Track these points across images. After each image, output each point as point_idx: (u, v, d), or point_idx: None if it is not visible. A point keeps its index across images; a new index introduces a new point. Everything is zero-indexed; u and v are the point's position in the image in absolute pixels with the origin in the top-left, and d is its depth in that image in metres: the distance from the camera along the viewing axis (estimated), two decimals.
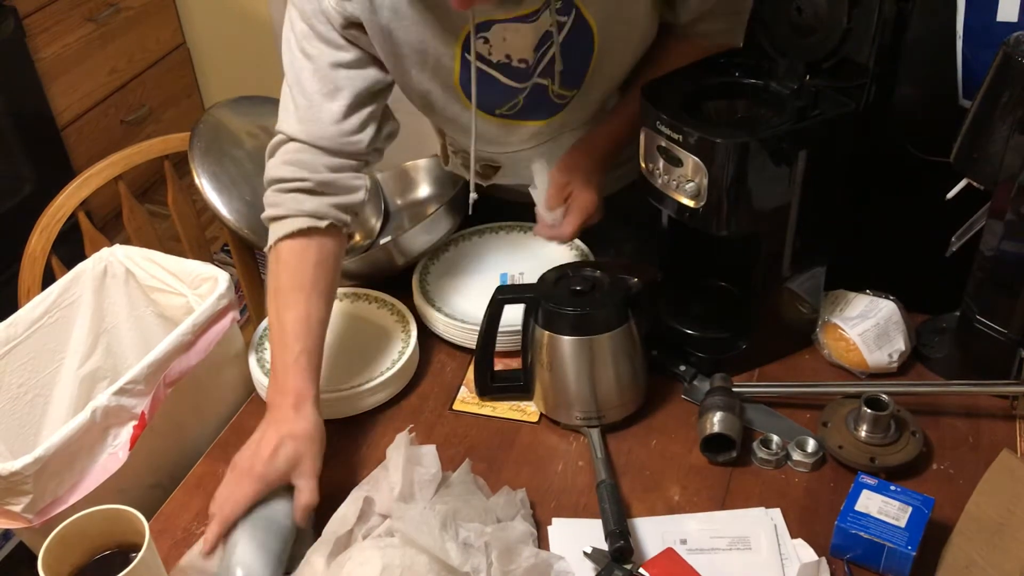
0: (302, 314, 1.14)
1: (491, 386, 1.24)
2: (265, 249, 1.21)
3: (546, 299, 1.15)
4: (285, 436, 1.06)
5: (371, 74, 1.20)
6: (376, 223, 1.55)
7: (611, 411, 1.18)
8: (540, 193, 1.31)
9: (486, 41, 1.18)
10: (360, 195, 1.22)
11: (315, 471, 1.07)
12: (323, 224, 1.16)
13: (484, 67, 1.20)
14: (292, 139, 1.19)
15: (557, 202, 1.29)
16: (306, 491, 1.05)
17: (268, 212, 1.19)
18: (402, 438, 1.08)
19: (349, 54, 1.18)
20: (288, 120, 1.20)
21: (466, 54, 1.18)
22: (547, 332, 1.15)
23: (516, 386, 1.24)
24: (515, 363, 1.29)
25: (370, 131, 1.21)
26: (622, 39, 1.23)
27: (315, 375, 1.13)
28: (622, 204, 1.38)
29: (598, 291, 1.15)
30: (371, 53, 1.19)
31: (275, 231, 1.18)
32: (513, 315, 1.20)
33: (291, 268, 1.16)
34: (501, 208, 1.46)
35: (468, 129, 1.25)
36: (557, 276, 1.18)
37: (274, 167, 1.19)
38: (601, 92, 1.29)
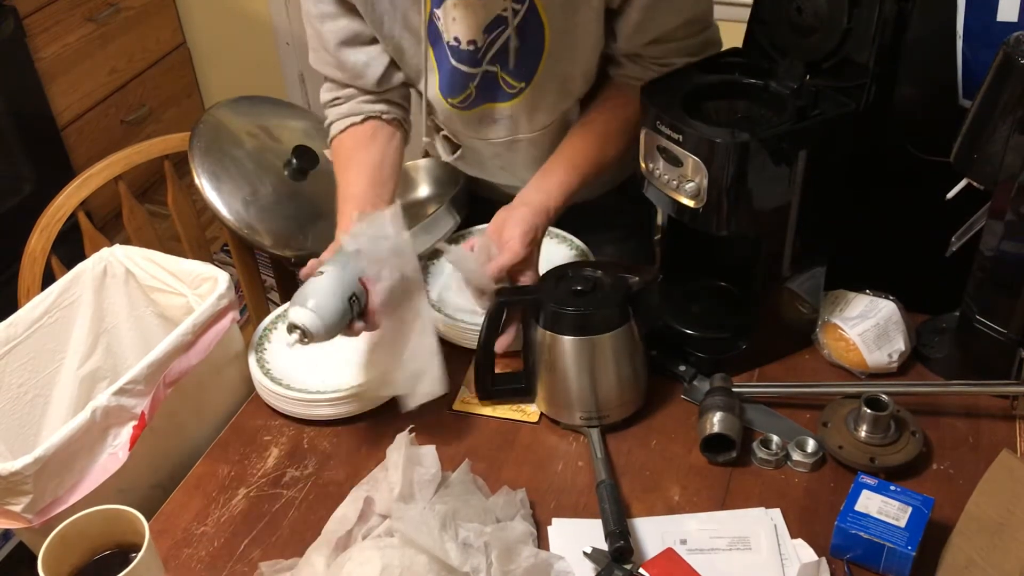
0: (354, 175, 1.28)
1: (492, 389, 1.24)
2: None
3: (547, 299, 1.15)
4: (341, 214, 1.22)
5: (351, 23, 1.27)
6: None
7: (612, 411, 1.18)
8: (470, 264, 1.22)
9: (438, 18, 1.22)
10: (392, 94, 1.34)
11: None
12: (359, 119, 1.32)
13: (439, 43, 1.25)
14: (325, 76, 1.35)
15: (515, 256, 1.20)
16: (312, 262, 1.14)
17: (325, 124, 1.37)
18: (402, 438, 1.08)
19: (328, 5, 1.27)
20: (311, 58, 1.35)
21: (434, 19, 1.23)
22: (549, 332, 1.15)
23: (517, 389, 1.23)
24: (513, 362, 1.29)
25: (375, 71, 1.31)
26: (571, 43, 1.24)
27: (350, 212, 1.23)
28: (606, 208, 1.39)
29: (599, 291, 1.15)
30: (349, 1, 1.25)
31: (328, 134, 1.36)
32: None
33: (341, 151, 1.33)
34: (493, 209, 1.46)
35: (430, 87, 1.31)
36: (558, 276, 1.18)
37: (322, 93, 1.38)
38: (553, 96, 1.29)
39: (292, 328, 1.06)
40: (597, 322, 1.13)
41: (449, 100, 1.30)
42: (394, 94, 1.35)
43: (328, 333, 1.07)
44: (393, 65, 1.32)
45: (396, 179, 1.32)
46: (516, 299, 1.20)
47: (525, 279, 1.21)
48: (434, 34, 1.24)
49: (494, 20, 1.20)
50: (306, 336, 1.05)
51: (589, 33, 1.23)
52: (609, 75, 1.31)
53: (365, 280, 1.10)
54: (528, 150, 1.37)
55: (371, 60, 1.30)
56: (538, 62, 1.25)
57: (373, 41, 1.29)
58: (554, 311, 1.14)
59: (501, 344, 1.20)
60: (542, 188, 1.26)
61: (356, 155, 1.31)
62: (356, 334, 1.13)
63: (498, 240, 1.21)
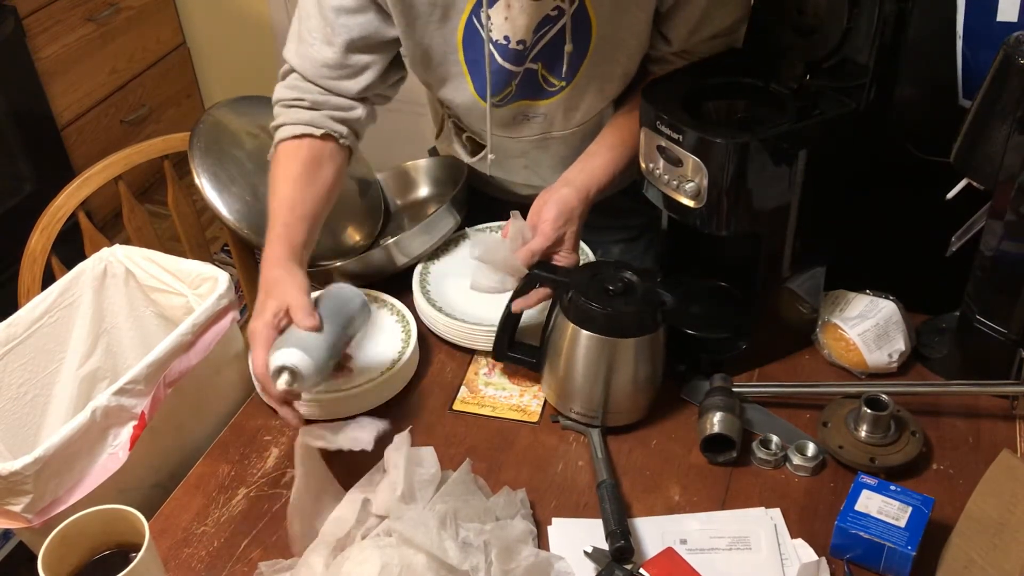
0: (286, 199, 1.20)
1: (507, 353, 1.23)
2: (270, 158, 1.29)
3: (578, 290, 1.14)
4: (270, 292, 1.11)
5: (371, 22, 1.23)
6: (376, 223, 1.55)
7: (617, 415, 1.18)
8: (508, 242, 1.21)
9: (488, 18, 1.19)
10: (358, 112, 1.28)
11: (300, 299, 1.09)
12: (318, 132, 1.25)
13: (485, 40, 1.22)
14: (293, 69, 1.27)
15: (547, 240, 1.21)
16: (298, 312, 1.08)
17: (273, 125, 1.28)
18: (402, 438, 1.08)
19: (350, 0, 1.21)
20: (290, 51, 1.28)
21: (474, 18, 1.20)
22: (571, 323, 1.14)
23: (530, 362, 1.23)
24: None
25: (366, 78, 1.26)
26: (619, 42, 1.23)
27: (292, 242, 1.17)
28: (615, 208, 1.39)
29: (631, 295, 1.14)
30: (376, 1, 1.21)
31: (276, 135, 1.27)
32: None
33: (282, 164, 1.25)
34: (501, 207, 1.46)
35: (462, 88, 1.29)
36: (592, 272, 1.17)
37: (279, 90, 1.29)
38: (592, 95, 1.29)
39: (283, 370, 1.04)
40: (624, 325, 1.13)
41: (493, 99, 1.28)
42: (362, 114, 1.29)
43: (313, 385, 1.07)
44: (383, 77, 1.28)
45: (326, 215, 1.27)
46: (546, 276, 1.19)
47: (560, 260, 1.22)
48: (471, 35, 1.23)
49: (543, 19, 1.20)
50: (295, 379, 1.04)
51: (635, 35, 1.23)
52: (650, 71, 1.31)
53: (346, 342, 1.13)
54: (558, 148, 1.37)
55: (371, 64, 1.26)
56: (582, 62, 1.25)
57: (379, 47, 1.26)
58: (583, 304, 1.13)
59: (518, 305, 1.20)
60: (585, 168, 1.26)
61: (312, 174, 1.24)
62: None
63: (534, 223, 1.21)
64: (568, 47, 1.21)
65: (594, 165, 1.27)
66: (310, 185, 1.23)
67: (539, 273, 1.19)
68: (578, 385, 1.17)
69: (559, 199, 1.22)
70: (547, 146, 1.37)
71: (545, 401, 1.25)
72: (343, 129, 1.27)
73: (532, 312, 1.23)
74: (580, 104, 1.31)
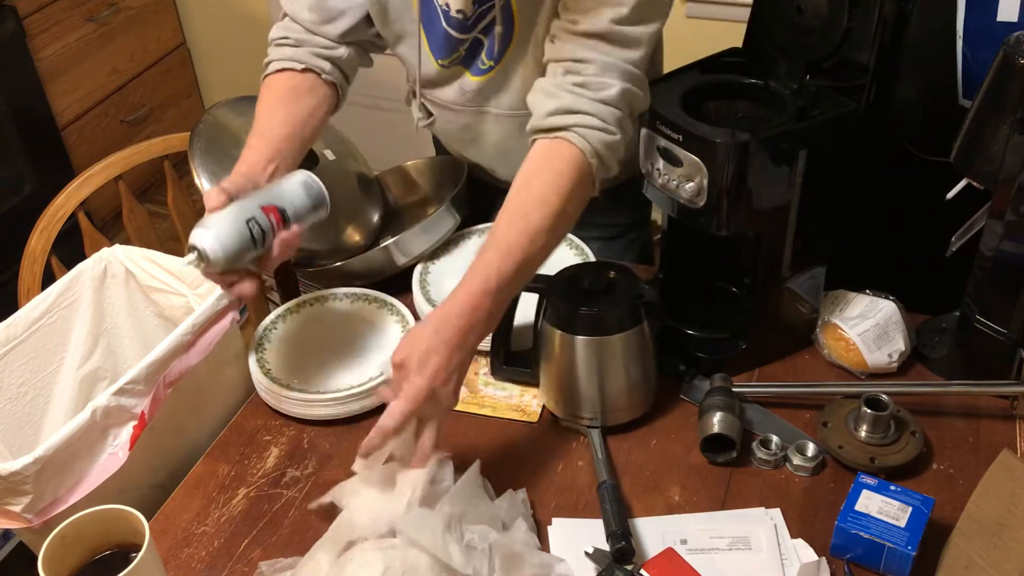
0: (272, 119, 1.23)
1: (504, 368, 1.24)
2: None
3: (559, 295, 1.14)
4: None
5: None
6: (376, 222, 1.55)
7: (617, 413, 1.18)
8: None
9: None
10: (340, 51, 1.30)
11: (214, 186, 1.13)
12: (299, 67, 1.27)
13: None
14: (287, 14, 1.31)
15: (393, 390, 1.04)
16: (208, 194, 1.11)
17: (264, 62, 1.31)
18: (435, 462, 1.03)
19: None
20: None
21: None
22: (557, 330, 1.15)
23: (526, 375, 1.23)
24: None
25: (344, 23, 1.29)
26: (534, 33, 1.23)
27: (262, 152, 1.20)
28: (602, 208, 1.39)
29: (612, 292, 1.15)
30: None
31: (264, 71, 1.30)
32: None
33: (263, 96, 1.28)
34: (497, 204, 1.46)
35: (414, 48, 1.30)
36: (571, 274, 1.18)
37: (272, 30, 1.32)
38: (519, 80, 1.29)
39: (191, 249, 1.08)
40: (608, 323, 1.13)
41: (439, 61, 1.31)
42: (346, 53, 1.32)
43: (227, 260, 1.08)
44: (364, 23, 1.31)
45: (312, 141, 1.30)
46: (530, 286, 1.16)
47: (425, 430, 1.04)
48: None
49: None
50: (202, 259, 1.07)
51: (545, 23, 1.21)
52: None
53: (268, 210, 1.13)
54: (495, 128, 1.37)
55: (348, 9, 1.28)
56: (507, 45, 1.25)
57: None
58: (565, 308, 1.13)
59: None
60: (455, 293, 1.06)
61: (287, 101, 1.27)
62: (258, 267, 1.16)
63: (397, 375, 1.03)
64: (498, 28, 1.22)
65: (469, 280, 1.06)
66: (284, 110, 1.25)
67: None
68: (574, 390, 1.17)
69: (408, 338, 1.05)
70: (485, 120, 1.37)
71: None
72: (325, 65, 1.29)
73: (527, 317, 1.22)
74: (508, 87, 1.31)
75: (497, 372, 1.25)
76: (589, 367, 1.15)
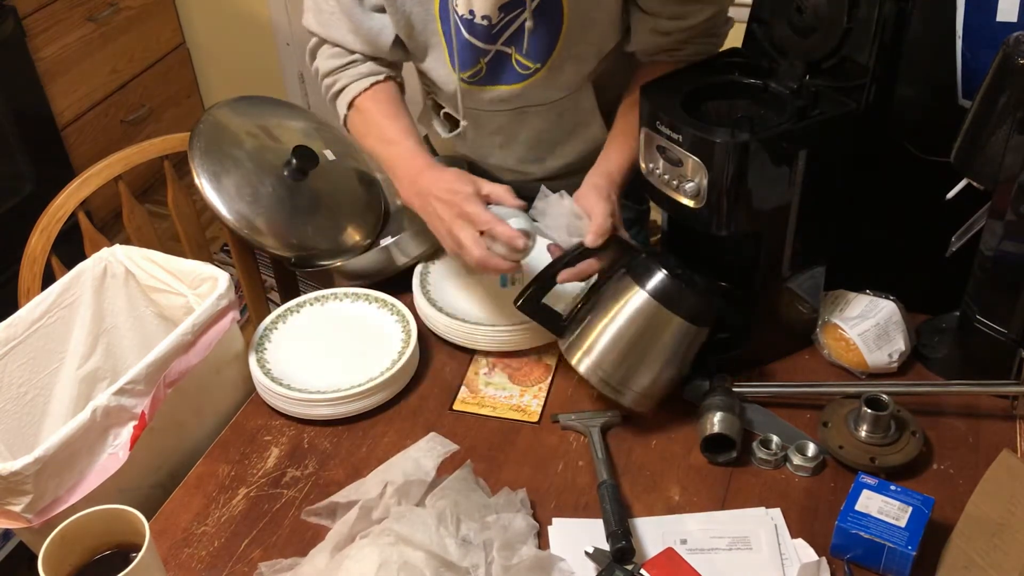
0: (398, 130, 1.32)
1: (531, 306, 1.20)
2: (341, 122, 1.40)
3: (658, 262, 1.15)
4: (450, 185, 1.20)
5: None
6: (376, 223, 1.55)
7: (632, 394, 1.16)
8: (558, 226, 1.21)
9: None
10: (397, 55, 1.36)
11: (494, 185, 1.20)
12: (381, 76, 1.36)
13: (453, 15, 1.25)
14: (324, 40, 1.36)
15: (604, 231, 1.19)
16: (505, 194, 1.19)
17: (330, 93, 1.39)
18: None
19: None
20: (310, 20, 1.37)
21: None
22: (636, 286, 1.14)
23: (553, 324, 1.21)
24: (514, 362, 1.30)
25: (383, 39, 1.33)
26: (591, 22, 1.25)
27: (426, 155, 1.30)
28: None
29: (695, 286, 1.15)
30: None
31: (345, 98, 1.36)
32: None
33: (371, 110, 1.35)
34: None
35: (440, 61, 1.32)
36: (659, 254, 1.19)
37: (322, 62, 1.38)
38: (567, 75, 1.30)
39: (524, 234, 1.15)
40: (686, 305, 1.13)
41: (460, 74, 1.31)
42: (400, 56, 1.37)
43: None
44: (399, 38, 1.33)
45: None
46: (626, 242, 1.20)
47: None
48: (444, 8, 1.26)
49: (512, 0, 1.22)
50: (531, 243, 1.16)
51: (606, 12, 1.25)
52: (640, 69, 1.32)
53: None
54: (534, 122, 1.39)
55: (383, 28, 1.32)
56: (555, 43, 1.26)
57: (382, 9, 1.30)
58: (653, 267, 1.14)
59: (564, 276, 1.19)
60: (601, 162, 1.28)
61: (395, 110, 1.35)
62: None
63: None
64: (529, 24, 1.23)
65: (609, 156, 1.29)
66: (406, 115, 1.35)
67: (623, 240, 1.20)
68: (613, 345, 1.15)
69: (594, 187, 1.23)
70: (523, 119, 1.39)
71: (545, 401, 1.25)
72: (392, 72, 1.38)
73: (567, 287, 1.23)
74: (554, 84, 1.33)
75: (527, 306, 1.20)
76: (643, 332, 1.14)
